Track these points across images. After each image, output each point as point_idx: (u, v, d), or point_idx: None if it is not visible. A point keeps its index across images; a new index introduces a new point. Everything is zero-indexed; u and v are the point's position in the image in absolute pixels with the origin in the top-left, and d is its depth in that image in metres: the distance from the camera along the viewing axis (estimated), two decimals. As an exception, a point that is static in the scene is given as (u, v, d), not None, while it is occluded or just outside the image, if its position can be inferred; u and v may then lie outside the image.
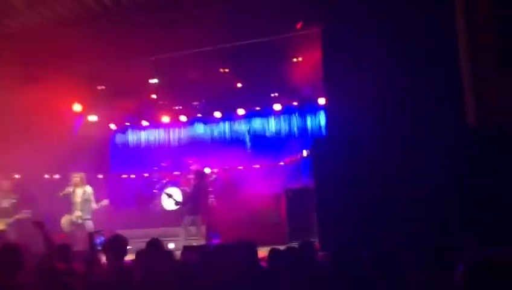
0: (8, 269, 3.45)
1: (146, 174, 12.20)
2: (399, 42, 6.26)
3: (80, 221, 8.50)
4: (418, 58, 6.18)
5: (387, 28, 6.42)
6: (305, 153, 9.93)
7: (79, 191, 8.66)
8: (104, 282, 3.50)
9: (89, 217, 8.59)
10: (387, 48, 6.35)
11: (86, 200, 8.65)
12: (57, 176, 11.06)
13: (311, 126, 12.11)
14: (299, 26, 8.51)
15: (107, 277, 3.58)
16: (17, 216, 8.48)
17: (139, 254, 4.14)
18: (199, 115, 12.74)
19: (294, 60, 9.91)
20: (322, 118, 11.62)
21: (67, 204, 8.79)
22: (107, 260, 4.33)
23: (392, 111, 6.12)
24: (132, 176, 12.48)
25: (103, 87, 10.97)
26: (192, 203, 8.96)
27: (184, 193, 10.68)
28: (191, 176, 11.10)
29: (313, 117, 12.10)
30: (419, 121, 5.91)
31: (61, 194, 8.69)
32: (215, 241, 8.35)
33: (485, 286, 2.33)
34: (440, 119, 5.88)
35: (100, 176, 11.82)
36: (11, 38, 8.52)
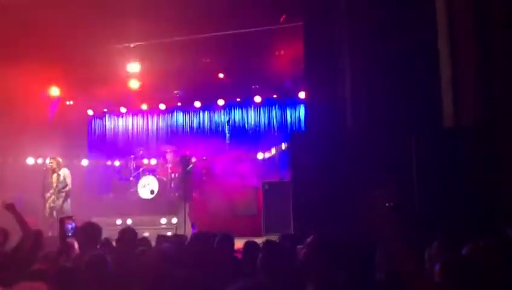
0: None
1: (122, 162, 12.07)
2: (381, 39, 6.31)
3: (52, 205, 8.40)
4: (399, 58, 6.24)
5: (369, 24, 6.46)
6: (283, 146, 9.98)
7: (54, 176, 8.57)
8: (77, 269, 3.46)
9: (63, 201, 8.46)
10: (369, 44, 6.39)
11: (61, 184, 8.53)
12: (31, 160, 10.86)
13: (291, 120, 12.15)
14: (282, 19, 8.52)
15: (80, 264, 3.54)
16: None
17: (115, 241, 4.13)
18: (179, 104, 12.65)
19: (277, 52, 9.92)
20: (301, 112, 11.68)
21: (42, 188, 8.66)
22: (79, 247, 4.29)
23: (371, 107, 6.17)
24: (108, 162, 12.34)
25: (82, 72, 10.79)
26: (184, 189, 8.82)
27: (160, 182, 10.61)
28: (168, 165, 11.06)
29: (293, 111, 12.15)
30: (397, 120, 5.98)
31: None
32: (192, 230, 8.35)
33: (462, 284, 2.41)
34: (418, 119, 5.96)
35: (76, 162, 11.66)
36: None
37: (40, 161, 10.32)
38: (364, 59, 6.34)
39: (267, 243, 3.47)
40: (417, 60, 6.16)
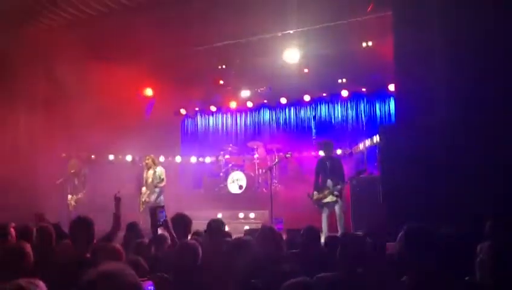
0: (82, 241, 3.63)
1: (213, 158, 12.43)
2: (474, 27, 5.86)
3: (147, 200, 8.75)
4: (493, 48, 5.76)
5: (461, 12, 6.04)
6: (372, 140, 9.65)
7: (150, 173, 8.93)
8: (169, 258, 3.61)
9: (157, 197, 8.83)
10: (460, 33, 5.97)
11: (156, 180, 8.89)
12: (129, 157, 11.58)
13: (380, 113, 11.74)
14: (369, 8, 8.25)
15: (172, 253, 3.69)
16: (80, 194, 9.05)
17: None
18: (265, 101, 12.78)
19: (364, 44, 9.62)
20: (391, 105, 11.24)
21: (138, 184, 9.13)
22: (170, 237, 4.47)
23: (463, 100, 5.77)
24: (200, 159, 12.79)
25: (174, 73, 11.29)
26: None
27: (248, 177, 10.77)
28: (256, 161, 11.21)
29: (382, 104, 11.72)
30: (491, 111, 5.53)
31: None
32: (279, 226, 8.36)
33: None
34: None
35: (170, 159, 12.24)
36: (81, 26, 8.86)
37: (137, 158, 10.94)
38: (456, 47, 5.94)
39: (345, 236, 3.39)
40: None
